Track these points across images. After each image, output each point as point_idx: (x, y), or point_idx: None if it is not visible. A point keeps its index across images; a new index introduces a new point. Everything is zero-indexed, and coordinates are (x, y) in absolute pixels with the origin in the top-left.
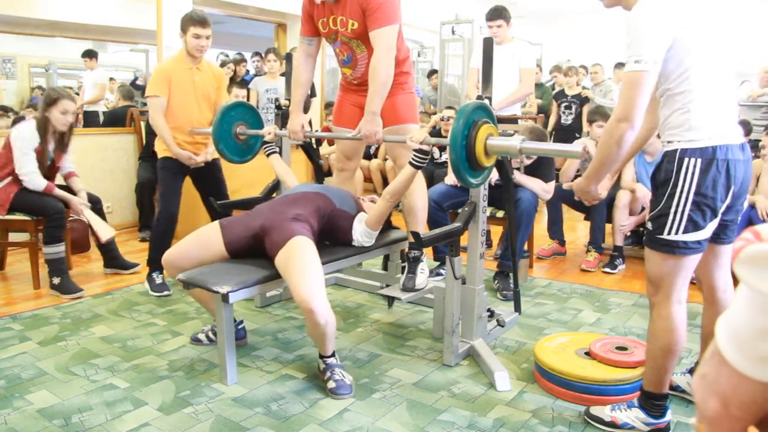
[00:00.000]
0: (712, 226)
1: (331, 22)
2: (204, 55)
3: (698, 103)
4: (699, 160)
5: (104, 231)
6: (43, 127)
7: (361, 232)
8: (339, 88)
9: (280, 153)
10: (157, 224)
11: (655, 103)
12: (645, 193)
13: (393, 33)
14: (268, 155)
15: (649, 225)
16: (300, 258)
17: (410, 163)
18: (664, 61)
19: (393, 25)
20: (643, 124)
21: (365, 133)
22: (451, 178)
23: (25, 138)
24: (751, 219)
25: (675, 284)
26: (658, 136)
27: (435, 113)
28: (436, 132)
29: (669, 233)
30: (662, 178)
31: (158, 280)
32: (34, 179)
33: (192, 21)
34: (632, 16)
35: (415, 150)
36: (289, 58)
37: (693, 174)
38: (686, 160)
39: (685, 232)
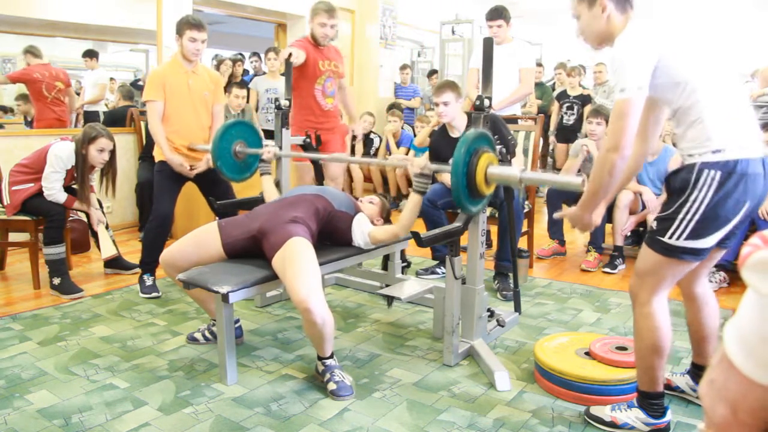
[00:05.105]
0: (716, 237)
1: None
2: (199, 59)
3: (711, 111)
4: (718, 173)
5: (107, 249)
6: (82, 160)
7: (361, 235)
8: None
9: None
10: (149, 227)
11: (646, 131)
12: (651, 197)
13: None
14: (261, 175)
15: (654, 224)
16: (297, 258)
17: (413, 189)
18: (661, 87)
19: None
20: (633, 152)
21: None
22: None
23: (61, 158)
24: (753, 221)
25: (662, 284)
26: (662, 139)
27: None
28: (441, 129)
29: (670, 238)
30: (678, 186)
31: (148, 282)
32: (56, 195)
33: (188, 24)
34: (614, 49)
35: (416, 175)
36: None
37: (709, 187)
38: (705, 172)
39: (687, 239)
